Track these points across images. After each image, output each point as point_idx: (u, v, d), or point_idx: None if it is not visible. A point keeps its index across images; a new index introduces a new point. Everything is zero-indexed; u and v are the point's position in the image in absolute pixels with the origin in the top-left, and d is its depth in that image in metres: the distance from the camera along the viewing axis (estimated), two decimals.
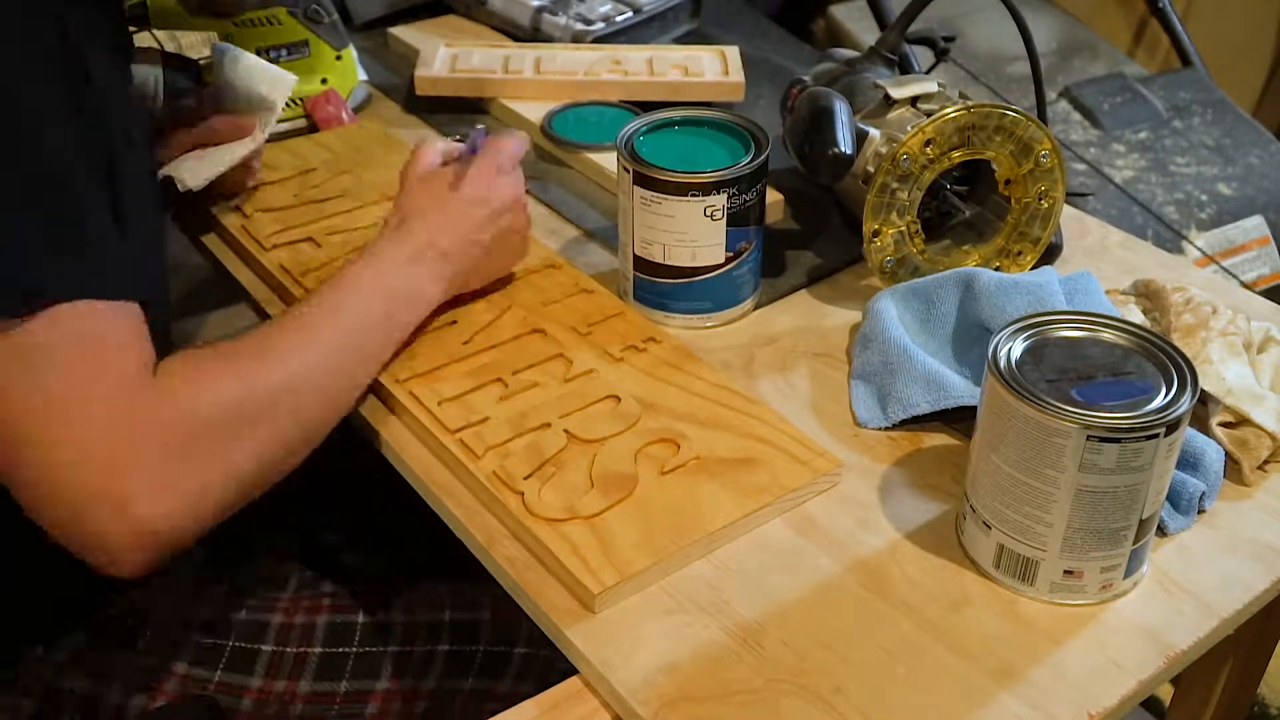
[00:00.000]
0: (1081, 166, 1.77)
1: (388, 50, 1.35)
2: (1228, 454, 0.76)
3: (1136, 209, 1.72)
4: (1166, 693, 1.33)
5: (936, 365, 0.81)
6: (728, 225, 0.87)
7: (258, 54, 1.07)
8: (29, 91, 0.67)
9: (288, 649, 0.85)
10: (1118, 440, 0.62)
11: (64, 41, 0.69)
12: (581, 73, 1.20)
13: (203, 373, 0.71)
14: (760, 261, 0.92)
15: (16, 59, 0.67)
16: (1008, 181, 0.91)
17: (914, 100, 0.93)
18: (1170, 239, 1.71)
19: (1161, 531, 0.73)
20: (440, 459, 0.78)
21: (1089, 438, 0.62)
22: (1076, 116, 1.87)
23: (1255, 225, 1.79)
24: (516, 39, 1.33)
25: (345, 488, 1.09)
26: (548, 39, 1.31)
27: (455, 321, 0.88)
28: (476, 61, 1.23)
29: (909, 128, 0.88)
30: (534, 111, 1.17)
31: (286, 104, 1.05)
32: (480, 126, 0.94)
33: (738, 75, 1.20)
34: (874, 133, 0.92)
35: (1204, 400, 0.78)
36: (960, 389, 0.79)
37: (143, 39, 1.05)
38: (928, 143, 0.87)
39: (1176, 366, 0.66)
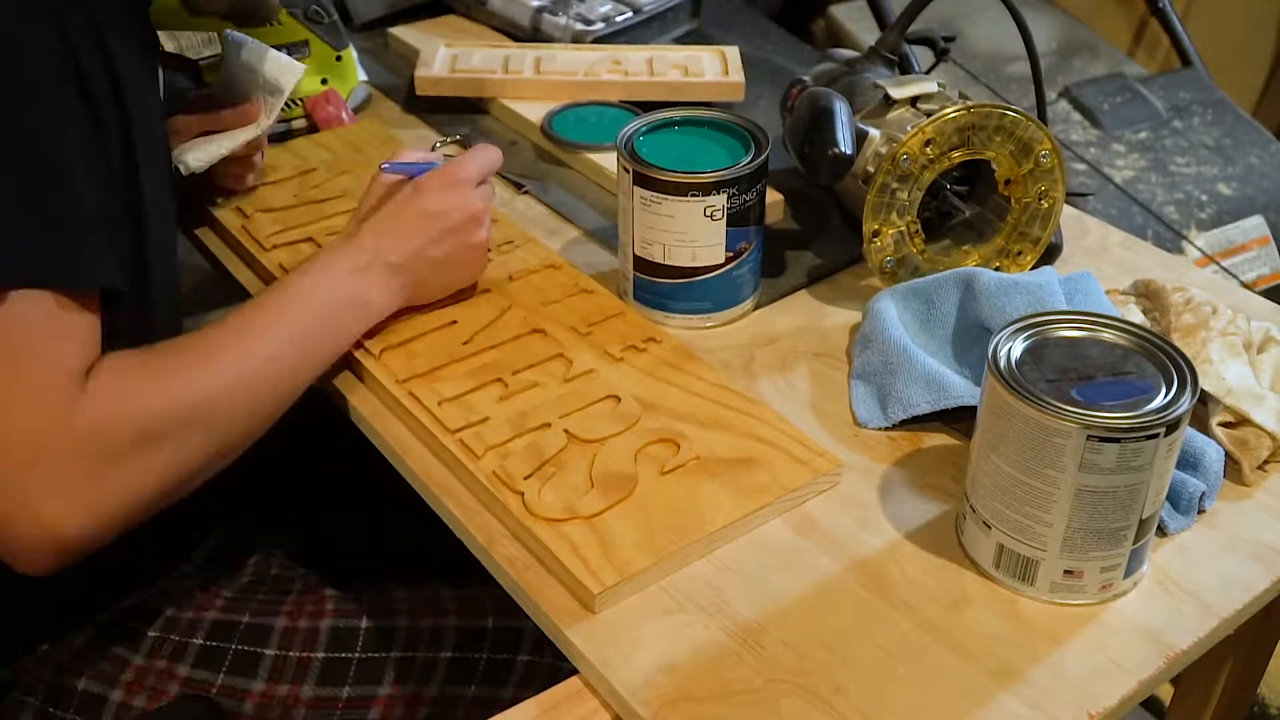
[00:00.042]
0: (1081, 166, 1.77)
1: (388, 50, 1.35)
2: (1228, 454, 0.76)
3: (1136, 209, 1.72)
4: (1166, 693, 1.33)
5: (936, 365, 0.81)
6: (728, 225, 0.87)
7: None
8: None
9: (290, 653, 0.85)
10: (1118, 440, 0.62)
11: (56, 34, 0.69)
12: (581, 73, 1.20)
13: (133, 381, 0.70)
14: (760, 261, 0.92)
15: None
16: (1008, 181, 0.91)
17: (914, 100, 0.93)
18: (1170, 239, 1.71)
19: (1161, 531, 0.73)
20: (440, 459, 0.78)
21: (1089, 438, 0.62)
22: (1076, 116, 1.87)
23: (1255, 225, 1.79)
24: (516, 39, 1.33)
25: (348, 491, 1.09)
26: (548, 39, 1.31)
27: (455, 321, 0.88)
28: (476, 62, 1.23)
29: (909, 128, 0.88)
30: (534, 111, 1.17)
31: (286, 104, 1.05)
32: (437, 144, 0.93)
33: (738, 75, 1.20)
34: (874, 133, 0.92)
35: (1204, 400, 0.78)
36: (960, 389, 0.79)
37: None
38: (928, 143, 0.87)
39: (1176, 366, 0.66)
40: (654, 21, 1.35)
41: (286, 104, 1.05)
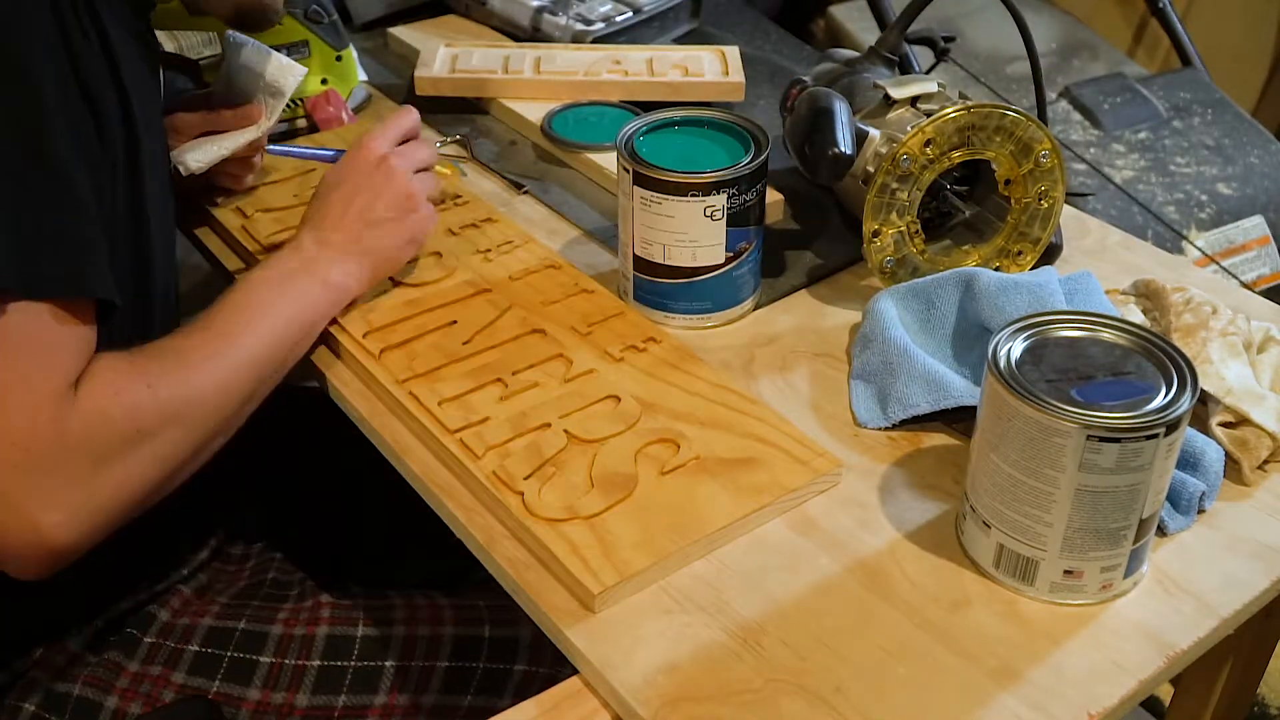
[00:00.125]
0: (1081, 166, 1.77)
1: (388, 50, 1.35)
2: (1228, 454, 0.76)
3: (1136, 209, 1.72)
4: (1166, 693, 1.33)
5: (936, 365, 0.81)
6: (728, 225, 0.87)
7: None
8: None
9: (287, 661, 0.85)
10: (1118, 440, 0.62)
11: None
12: (581, 73, 1.20)
13: (123, 382, 0.71)
14: (760, 261, 0.92)
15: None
16: (1008, 181, 0.91)
17: (914, 100, 0.93)
18: (1170, 239, 1.71)
19: (1161, 531, 0.73)
20: (440, 459, 0.78)
21: (1089, 438, 0.62)
22: (1076, 116, 1.86)
23: (1255, 225, 1.79)
24: (516, 39, 1.33)
25: (346, 498, 1.09)
26: (548, 39, 1.31)
27: (455, 321, 0.88)
28: (476, 61, 1.23)
29: (909, 128, 0.88)
30: (534, 111, 1.17)
31: (288, 105, 1.06)
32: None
33: (738, 75, 1.20)
34: (874, 133, 0.92)
35: (1204, 400, 0.78)
36: (960, 389, 0.79)
37: None
38: (928, 143, 0.87)
39: (1176, 366, 0.66)
40: (654, 21, 1.35)
41: (288, 105, 1.05)
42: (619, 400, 0.81)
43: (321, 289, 0.84)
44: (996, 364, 0.66)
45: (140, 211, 0.78)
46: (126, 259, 0.78)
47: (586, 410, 0.80)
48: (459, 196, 1.04)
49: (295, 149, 1.03)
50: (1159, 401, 0.64)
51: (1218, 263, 1.73)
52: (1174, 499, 0.73)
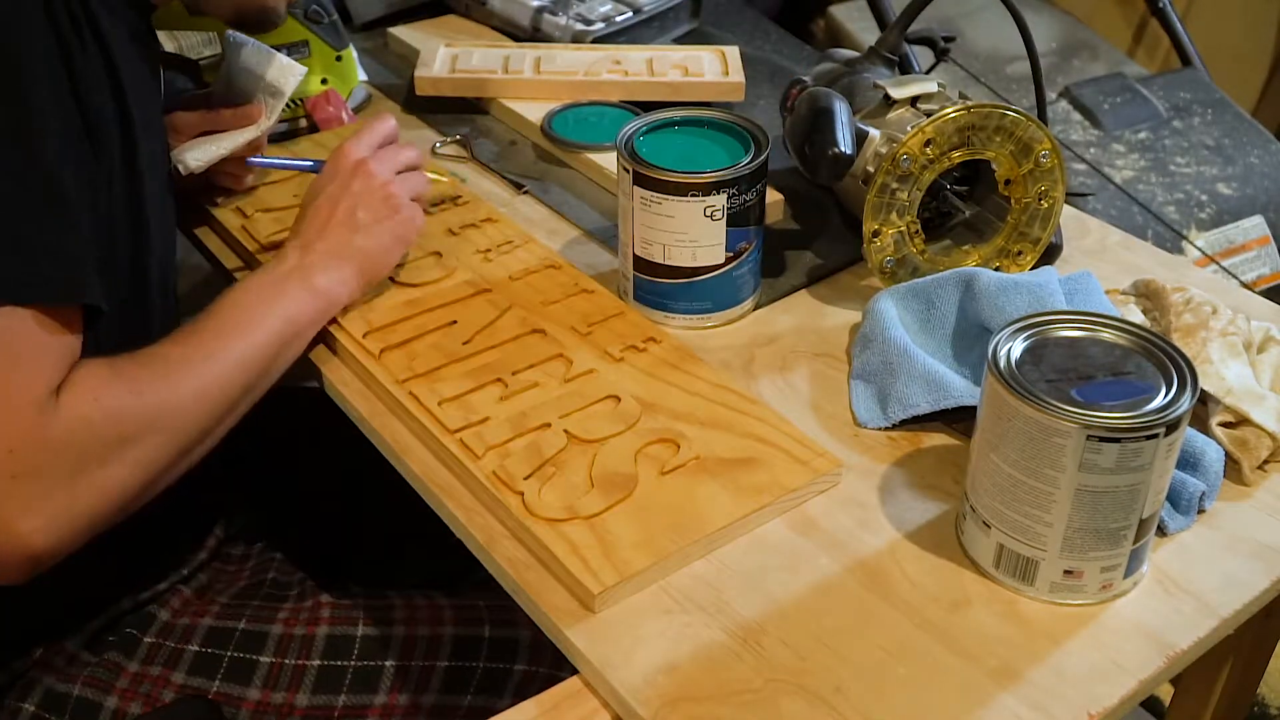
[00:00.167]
0: (1081, 166, 1.77)
1: (388, 50, 1.35)
2: (1228, 454, 0.76)
3: (1136, 209, 1.72)
4: (1166, 693, 1.33)
5: (936, 365, 0.81)
6: (728, 225, 0.87)
7: None
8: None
9: (287, 660, 0.85)
10: (1118, 440, 0.62)
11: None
12: (581, 73, 1.20)
13: (104, 388, 0.70)
14: (760, 261, 0.92)
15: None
16: (1008, 181, 0.91)
17: (914, 100, 0.93)
18: (1170, 239, 1.71)
19: (1161, 531, 0.73)
20: (440, 459, 0.78)
21: (1089, 438, 0.62)
22: (1076, 116, 1.86)
23: (1255, 225, 1.79)
24: (516, 39, 1.33)
25: (346, 498, 1.09)
26: (548, 39, 1.31)
27: (455, 321, 0.88)
28: (476, 61, 1.23)
29: (909, 128, 0.88)
30: (534, 112, 1.17)
31: (288, 105, 1.06)
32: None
33: (738, 75, 1.20)
34: (874, 133, 0.92)
35: (1204, 400, 0.78)
36: (960, 389, 0.79)
37: None
38: (928, 143, 0.87)
39: (1176, 366, 0.66)
40: (654, 21, 1.35)
41: (288, 105, 1.05)
42: (619, 400, 0.81)
43: (309, 296, 0.83)
44: (996, 364, 0.66)
45: (139, 212, 0.78)
46: (125, 260, 0.78)
47: (586, 410, 0.80)
48: (459, 197, 1.04)
49: (276, 160, 1.03)
50: (1159, 401, 0.64)
51: (1218, 263, 1.73)
52: (1174, 499, 0.73)
